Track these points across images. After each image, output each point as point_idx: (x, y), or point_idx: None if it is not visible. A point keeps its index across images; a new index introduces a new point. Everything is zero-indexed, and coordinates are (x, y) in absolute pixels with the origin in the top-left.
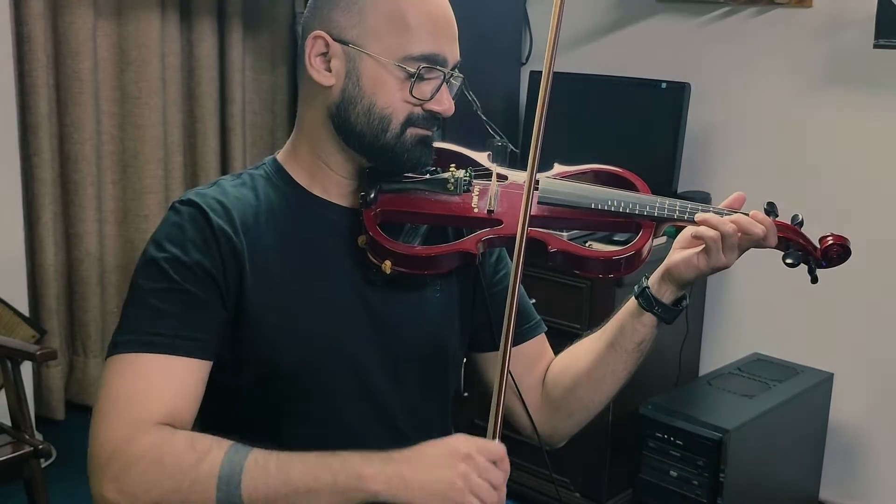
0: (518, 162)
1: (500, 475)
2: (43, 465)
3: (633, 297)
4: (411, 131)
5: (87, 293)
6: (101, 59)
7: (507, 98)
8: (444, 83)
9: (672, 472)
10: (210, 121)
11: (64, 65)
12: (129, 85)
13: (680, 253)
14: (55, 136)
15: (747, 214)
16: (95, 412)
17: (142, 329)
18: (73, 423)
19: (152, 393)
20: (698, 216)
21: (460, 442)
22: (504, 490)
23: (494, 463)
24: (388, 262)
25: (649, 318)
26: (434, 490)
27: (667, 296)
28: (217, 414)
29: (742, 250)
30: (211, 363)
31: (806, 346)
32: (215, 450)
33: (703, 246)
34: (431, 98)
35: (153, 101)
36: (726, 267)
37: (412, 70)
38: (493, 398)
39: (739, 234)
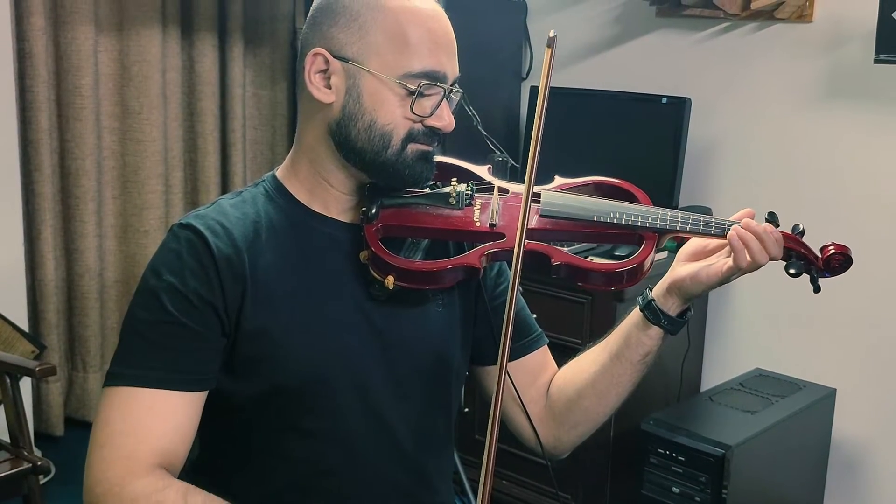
0: (519, 177)
1: None
2: (42, 482)
3: (639, 310)
4: (412, 147)
5: (87, 308)
6: (102, 74)
7: (507, 113)
8: (445, 99)
9: (674, 489)
10: (210, 136)
11: (65, 80)
12: (130, 100)
13: (686, 268)
14: (56, 152)
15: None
16: (91, 444)
17: (138, 362)
18: (72, 438)
19: (147, 430)
20: (733, 245)
21: None
22: None
23: None
24: (391, 278)
25: (656, 331)
26: None
27: (672, 308)
28: (217, 429)
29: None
30: (207, 392)
31: (808, 361)
32: None
33: (708, 260)
34: (432, 114)
35: (154, 116)
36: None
37: (413, 87)
38: (482, 467)
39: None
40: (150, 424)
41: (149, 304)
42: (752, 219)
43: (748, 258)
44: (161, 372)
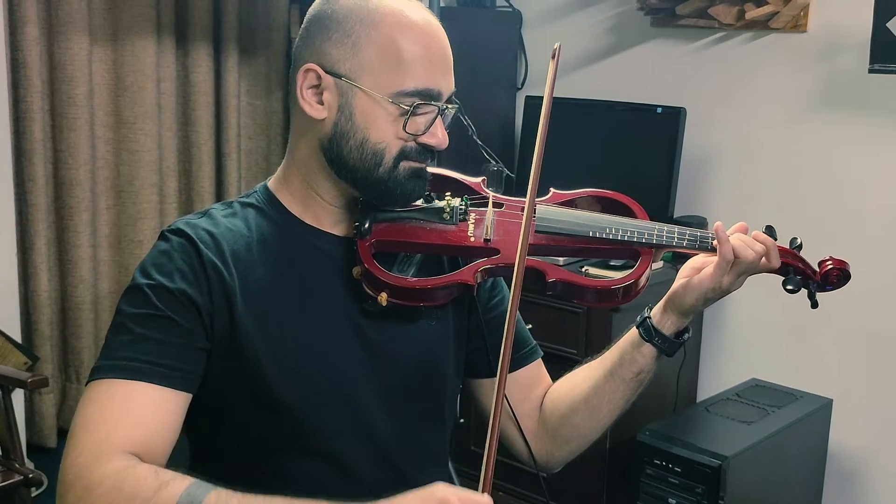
0: (514, 186)
1: None
2: (34, 494)
3: (635, 327)
4: (404, 165)
5: (81, 319)
6: (96, 84)
7: (502, 123)
8: (438, 116)
9: (671, 500)
10: (205, 146)
11: (59, 90)
12: (124, 110)
13: (681, 282)
14: (50, 162)
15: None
16: (68, 437)
17: (121, 355)
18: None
19: (125, 419)
20: (718, 235)
21: (439, 489)
22: None
23: None
24: (384, 294)
25: (649, 349)
26: None
27: (668, 326)
28: (207, 446)
29: (747, 274)
30: (190, 396)
31: (804, 371)
32: (177, 481)
33: (704, 269)
34: (425, 132)
35: (148, 126)
36: (729, 292)
37: (406, 107)
38: (485, 448)
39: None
40: (126, 413)
41: (135, 299)
42: (745, 233)
43: (732, 252)
44: (141, 364)
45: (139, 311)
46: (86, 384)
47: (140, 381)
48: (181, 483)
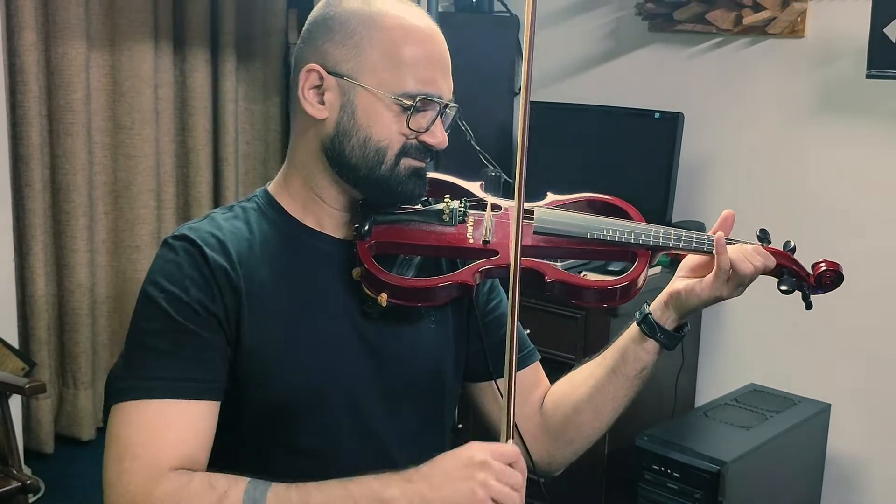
0: (512, 192)
1: (518, 476)
2: (31, 500)
3: (636, 324)
4: (405, 162)
5: (78, 324)
6: (93, 89)
7: (500, 128)
8: (439, 116)
9: None
10: (203, 151)
11: (56, 95)
12: (121, 115)
13: (683, 281)
14: (47, 167)
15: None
16: (107, 462)
17: (147, 374)
18: (62, 456)
19: (166, 439)
20: (717, 247)
21: (474, 450)
22: (523, 491)
23: (511, 465)
24: (384, 295)
25: (652, 345)
26: (456, 502)
27: (668, 323)
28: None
29: (746, 285)
30: (219, 402)
31: (802, 376)
32: (234, 488)
33: (706, 276)
34: (426, 130)
35: (146, 131)
36: (730, 297)
37: (408, 103)
38: (503, 400)
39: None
40: (168, 434)
41: (152, 314)
42: (733, 221)
43: (729, 264)
44: (171, 381)
45: (158, 326)
46: (112, 403)
47: (174, 398)
48: (238, 490)
